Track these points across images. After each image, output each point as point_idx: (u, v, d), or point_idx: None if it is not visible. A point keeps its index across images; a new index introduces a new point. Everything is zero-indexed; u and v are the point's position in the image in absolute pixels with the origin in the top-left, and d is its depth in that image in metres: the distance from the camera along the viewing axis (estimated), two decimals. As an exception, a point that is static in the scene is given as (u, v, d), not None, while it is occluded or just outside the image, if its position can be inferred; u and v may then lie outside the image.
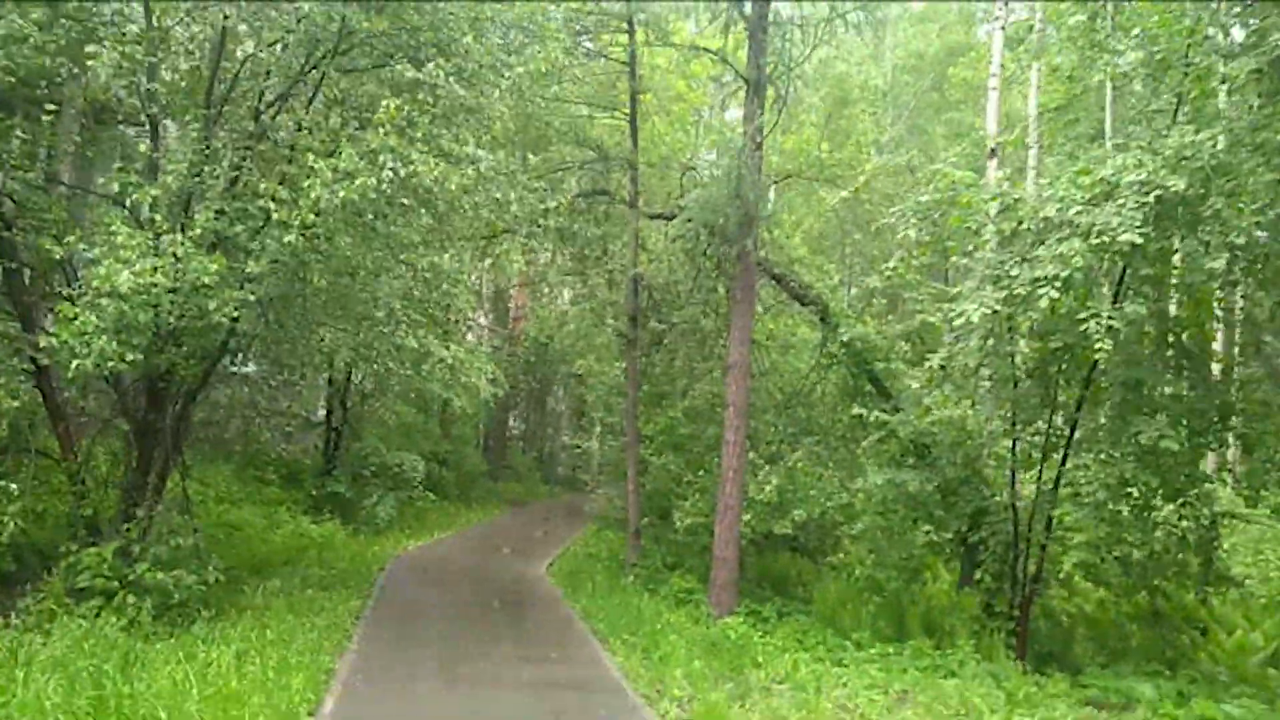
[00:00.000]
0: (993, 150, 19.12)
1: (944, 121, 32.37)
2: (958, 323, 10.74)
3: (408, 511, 24.03)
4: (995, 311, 10.59)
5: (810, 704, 9.32)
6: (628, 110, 17.21)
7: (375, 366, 22.59)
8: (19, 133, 9.50)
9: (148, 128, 10.91)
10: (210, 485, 19.18)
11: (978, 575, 13.84)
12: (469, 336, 33.53)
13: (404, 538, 21.27)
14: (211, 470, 19.86)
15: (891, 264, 12.31)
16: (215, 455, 20.11)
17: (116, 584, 9.63)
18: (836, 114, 18.66)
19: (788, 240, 16.41)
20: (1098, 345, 9.85)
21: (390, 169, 8.51)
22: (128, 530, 10.06)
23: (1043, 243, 10.83)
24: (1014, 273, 10.65)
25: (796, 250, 16.24)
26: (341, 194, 8.42)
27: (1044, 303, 10.11)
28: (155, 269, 8.35)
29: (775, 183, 15.18)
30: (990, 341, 11.54)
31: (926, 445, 14.52)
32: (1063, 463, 12.90)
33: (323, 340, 12.62)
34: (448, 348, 22.59)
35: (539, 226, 18.28)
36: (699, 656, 10.89)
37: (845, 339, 14.75)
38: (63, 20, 9.19)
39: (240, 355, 16.74)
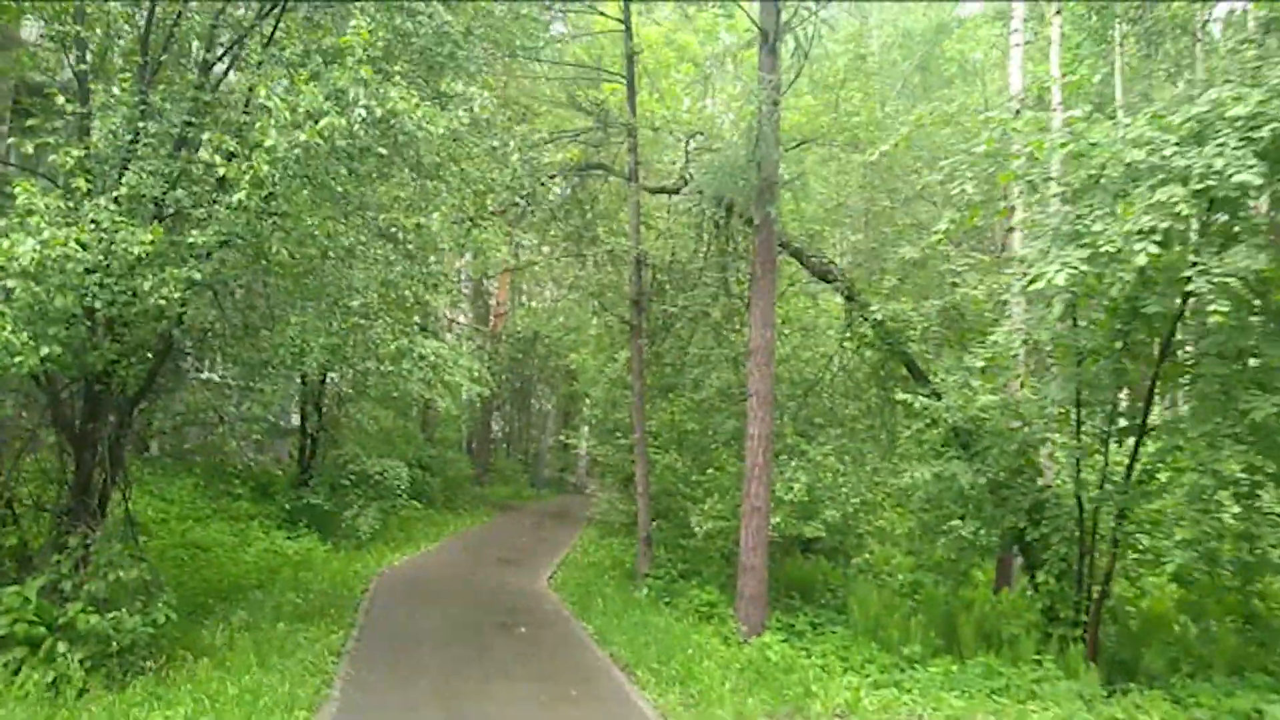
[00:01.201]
0: (1017, 112, 17.55)
1: (937, 97, 30.93)
2: (1032, 288, 9.16)
3: (391, 522, 22.26)
4: (1080, 273, 9.02)
5: (891, 748, 7.75)
6: (624, 74, 15.52)
7: (352, 366, 21.14)
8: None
9: (76, 85, 9.16)
10: (173, 502, 17.41)
11: (1040, 577, 12.31)
12: (449, 336, 31.86)
13: (388, 551, 19.52)
14: (173, 485, 18.07)
15: (941, 226, 10.70)
16: (177, 469, 18.30)
17: (43, 629, 7.90)
18: (834, 89, 17.03)
19: (804, 211, 14.77)
20: (1211, 307, 8.35)
21: (363, 107, 6.83)
22: (57, 563, 8.31)
23: (1124, 194, 9.33)
24: (1097, 227, 9.11)
25: (816, 224, 14.65)
26: (302, 137, 6.72)
27: (1141, 259, 8.56)
28: (70, 239, 6.62)
29: (797, 145, 13.56)
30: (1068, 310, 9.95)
31: (971, 434, 13.01)
32: (1136, 448, 11.42)
33: (291, 338, 10.97)
34: (426, 342, 21.10)
35: (529, 204, 16.67)
36: (743, 688, 9.30)
37: (878, 318, 13.15)
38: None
39: (203, 358, 15.03)
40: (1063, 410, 12.87)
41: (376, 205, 8.16)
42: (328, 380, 22.63)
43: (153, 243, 6.97)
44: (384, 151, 7.54)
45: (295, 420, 22.85)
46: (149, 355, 8.93)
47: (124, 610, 7.99)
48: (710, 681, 9.33)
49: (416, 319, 23.90)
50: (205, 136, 7.47)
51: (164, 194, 7.65)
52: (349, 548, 19.20)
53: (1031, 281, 9.14)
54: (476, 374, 23.78)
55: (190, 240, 7.29)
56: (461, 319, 35.56)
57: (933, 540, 15.05)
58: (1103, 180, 9.53)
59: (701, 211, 15.39)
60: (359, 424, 26.08)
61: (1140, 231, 8.65)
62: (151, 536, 15.65)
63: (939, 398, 12.84)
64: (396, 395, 26.67)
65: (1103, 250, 8.93)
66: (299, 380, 23.02)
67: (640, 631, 11.62)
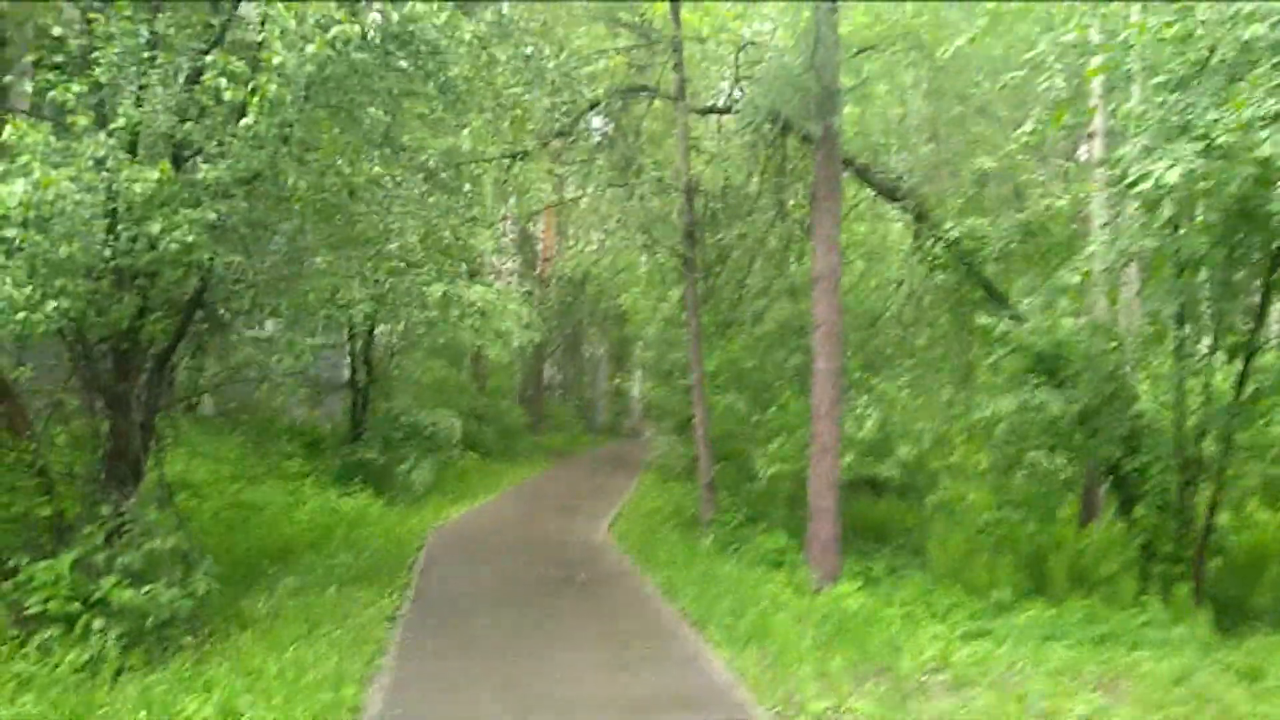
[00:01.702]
0: None
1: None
2: (1136, 190, 8.12)
3: (447, 474, 21.90)
4: (1191, 170, 7.95)
5: (994, 710, 6.97)
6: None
7: (398, 316, 20.56)
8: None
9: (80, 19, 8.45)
10: (225, 462, 17.07)
11: (1139, 511, 11.38)
12: (497, 283, 31.21)
13: (445, 504, 19.09)
14: (225, 445, 17.74)
15: (1026, 128, 9.65)
16: (227, 427, 17.95)
17: (78, 605, 7.41)
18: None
19: (867, 125, 13.67)
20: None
21: (377, 10, 6.02)
22: (88, 534, 7.81)
23: (1239, 78, 8.23)
24: (1211, 116, 8.02)
25: (881, 138, 13.54)
26: (312, 49, 5.94)
27: (1266, 149, 7.49)
28: (63, 179, 5.93)
29: (858, 53, 12.43)
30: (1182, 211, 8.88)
31: (1058, 359, 12.00)
32: (1246, 366, 10.37)
33: (328, 286, 10.35)
34: (474, 289, 20.41)
35: (569, 135, 15.78)
36: (823, 644, 8.57)
37: (954, 235, 12.11)
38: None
39: (239, 311, 14.51)
40: (1158, 329, 11.86)
41: (403, 132, 7.32)
42: (375, 333, 22.21)
43: (161, 181, 6.28)
44: (405, 65, 6.74)
45: (346, 374, 22.48)
46: (177, 308, 8.30)
47: (162, 582, 7.46)
48: (788, 638, 8.61)
49: (463, 265, 23.37)
50: (209, 58, 6.67)
51: (172, 129, 6.92)
52: (405, 503, 18.82)
53: (1134, 182, 8.11)
54: (526, 320, 23.24)
55: (201, 176, 6.58)
56: (509, 265, 34.94)
57: (1014, 475, 14.17)
58: (1213, 63, 8.40)
59: (754, 131, 14.35)
60: (410, 376, 25.75)
61: (1263, 118, 7.58)
62: (203, 498, 15.35)
63: (1020, 321, 11.85)
64: (446, 345, 26.40)
65: (1218, 142, 7.88)
66: (347, 333, 22.77)
67: (708, 583, 10.94)
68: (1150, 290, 10.70)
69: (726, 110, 15.34)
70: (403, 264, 12.34)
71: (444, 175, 12.27)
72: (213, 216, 6.58)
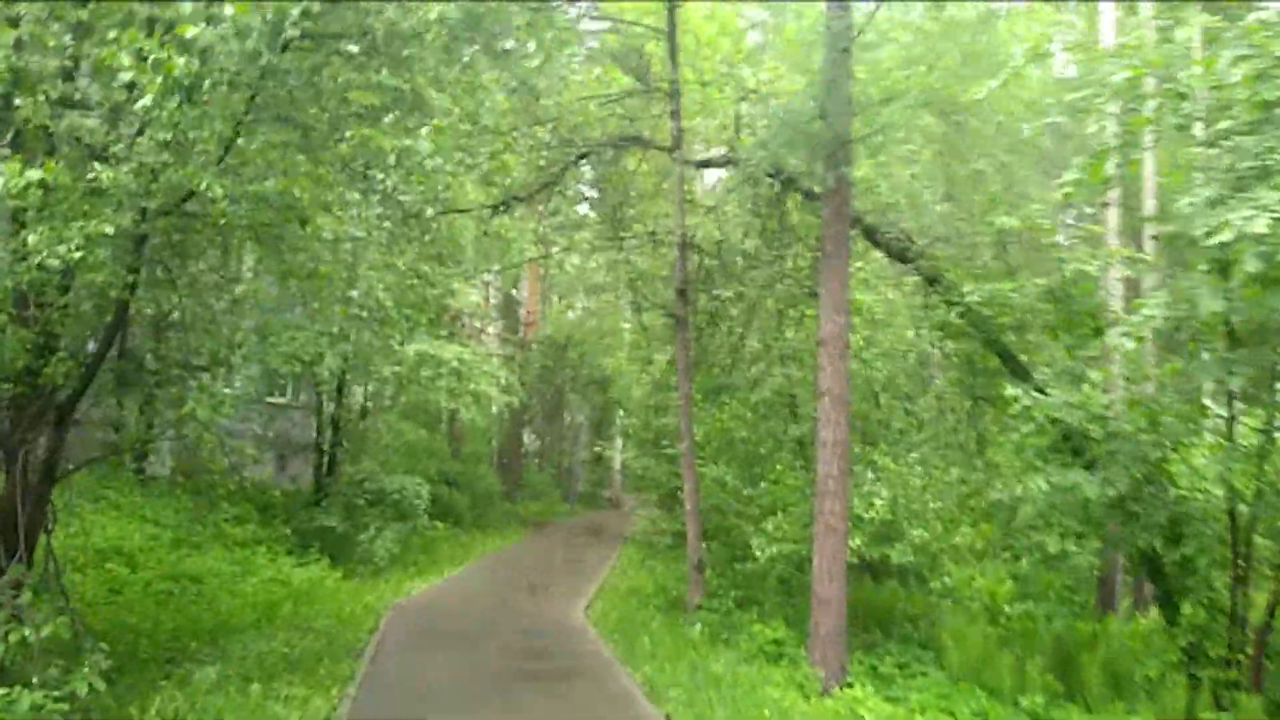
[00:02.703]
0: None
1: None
2: (1215, 240, 7.04)
3: (413, 544, 20.39)
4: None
5: None
6: (664, 27, 13.47)
7: (370, 375, 19.30)
8: None
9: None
10: (166, 526, 15.59)
11: (1187, 609, 10.14)
12: (476, 346, 30.08)
13: (407, 578, 17.59)
14: (169, 507, 16.27)
15: (1070, 176, 8.63)
16: (176, 489, 16.50)
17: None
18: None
19: (874, 182, 12.67)
20: None
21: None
22: (-46, 620, 6.40)
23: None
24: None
25: (891, 195, 12.55)
26: (230, 9, 4.81)
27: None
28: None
29: (876, 104, 11.47)
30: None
31: (1087, 436, 10.87)
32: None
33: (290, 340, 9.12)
34: (449, 347, 19.20)
35: (557, 182, 14.78)
36: (839, 764, 7.22)
37: (975, 299, 11.03)
38: None
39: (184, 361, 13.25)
40: (1199, 408, 10.75)
41: (351, 132, 6.12)
42: (344, 391, 20.93)
43: (40, 184, 5.08)
44: (354, 49, 5.63)
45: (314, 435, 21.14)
46: (78, 351, 7.02)
47: (25, 684, 6.02)
48: (797, 756, 7.27)
49: (441, 322, 22.20)
50: (112, 34, 5.51)
51: (52, 119, 5.73)
52: (364, 575, 17.34)
53: (1211, 233, 7.04)
54: (505, 383, 22.01)
55: (92, 179, 5.38)
56: (491, 329, 33.84)
57: (1029, 563, 12.96)
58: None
59: (754, 185, 13.38)
60: (379, 439, 24.37)
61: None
62: (136, 568, 13.90)
63: (1043, 394, 10.73)
64: (419, 407, 25.08)
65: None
66: (315, 394, 21.44)
67: (699, 682, 9.54)
68: (1198, 363, 9.59)
69: (726, 163, 14.35)
70: (368, 314, 11.13)
71: (419, 217, 11.23)
72: (108, 230, 5.37)
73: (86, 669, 6.45)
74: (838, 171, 10.60)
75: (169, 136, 5.20)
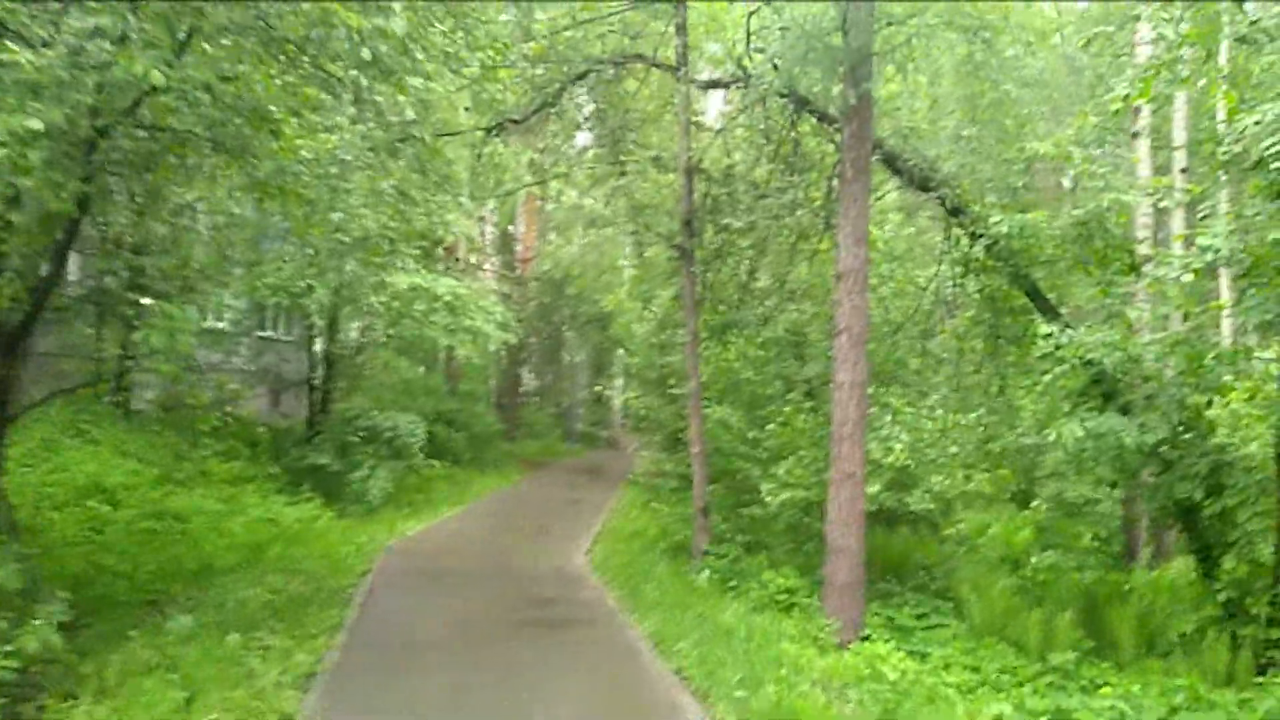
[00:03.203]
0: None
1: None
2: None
3: (408, 482, 19.87)
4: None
5: None
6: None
7: (361, 309, 18.56)
8: None
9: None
10: (150, 463, 14.98)
11: (1228, 563, 9.57)
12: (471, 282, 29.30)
13: (402, 518, 17.06)
14: (154, 443, 15.64)
15: (1120, 91, 7.83)
16: (156, 424, 15.85)
17: None
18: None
19: (893, 101, 11.83)
20: None
21: None
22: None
23: None
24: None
25: (912, 119, 11.69)
26: None
27: None
28: None
29: (899, 19, 10.58)
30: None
31: (1121, 380, 10.20)
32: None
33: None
34: (443, 280, 18.45)
35: (554, 107, 13.91)
36: (864, 728, 6.67)
37: (1004, 230, 10.26)
38: None
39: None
40: (1240, 348, 10.09)
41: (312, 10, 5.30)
42: (336, 325, 20.20)
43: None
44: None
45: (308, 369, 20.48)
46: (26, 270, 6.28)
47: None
48: (816, 716, 6.70)
49: (438, 264, 21.40)
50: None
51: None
52: (358, 515, 16.82)
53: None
54: (502, 319, 21.29)
55: (18, 68, 4.58)
56: (487, 266, 32.97)
57: (1065, 511, 12.39)
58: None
59: (764, 108, 12.53)
60: (374, 375, 23.75)
61: None
62: (118, 506, 13.32)
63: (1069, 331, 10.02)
64: (414, 343, 24.37)
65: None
66: (305, 328, 20.75)
67: (709, 634, 8.97)
68: (1248, 301, 8.86)
69: (731, 84, 13.46)
70: (351, 240, 10.36)
71: (406, 141, 10.43)
72: (36, 126, 4.59)
73: (39, 621, 5.84)
74: (860, 88, 9.76)
75: (106, 22, 4.40)
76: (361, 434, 18.82)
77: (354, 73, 5.90)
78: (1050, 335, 9.26)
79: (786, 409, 13.86)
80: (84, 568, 10.14)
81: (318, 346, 20.49)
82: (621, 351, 28.26)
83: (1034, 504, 13.71)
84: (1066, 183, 11.13)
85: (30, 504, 11.59)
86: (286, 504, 16.01)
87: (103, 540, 11.84)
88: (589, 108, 15.46)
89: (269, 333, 21.67)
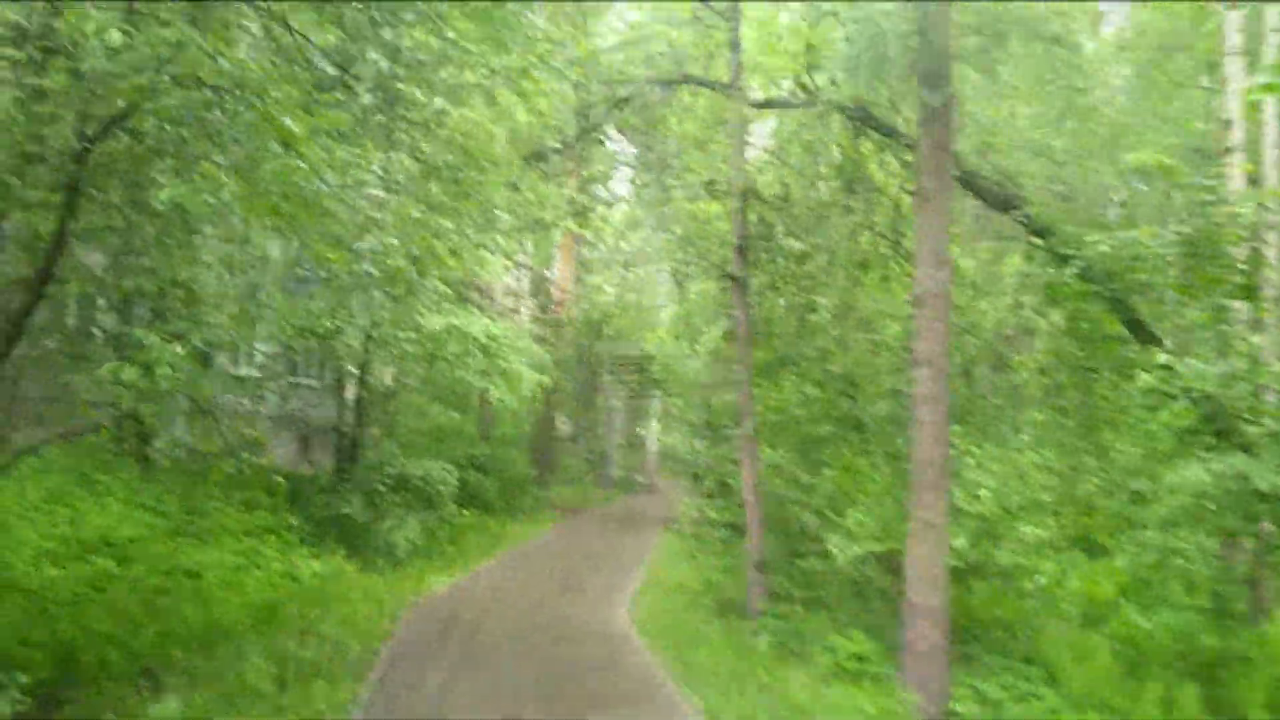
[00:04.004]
0: None
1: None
2: None
3: (439, 532, 18.80)
4: None
5: None
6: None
7: (392, 352, 17.69)
8: None
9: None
10: (164, 515, 14.03)
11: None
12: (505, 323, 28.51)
13: (431, 570, 15.99)
14: (169, 492, 14.70)
15: (1261, 79, 6.72)
16: (169, 473, 14.94)
17: None
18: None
19: (972, 114, 10.79)
20: None
21: None
22: None
23: None
24: None
25: (990, 135, 10.64)
26: None
27: None
28: None
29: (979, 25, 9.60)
30: None
31: (1238, 416, 8.96)
32: None
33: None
34: (476, 320, 17.58)
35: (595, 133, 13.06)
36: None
37: (1104, 250, 9.13)
38: None
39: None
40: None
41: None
42: (368, 369, 19.34)
43: None
44: None
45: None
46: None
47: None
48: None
49: (471, 304, 20.60)
50: None
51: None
52: (384, 567, 15.77)
53: None
54: (537, 361, 20.38)
55: None
56: (523, 309, 32.22)
57: (1165, 562, 11.03)
58: None
59: (823, 125, 11.55)
60: (405, 421, 22.96)
61: None
62: (126, 562, 12.37)
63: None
64: (448, 387, 23.51)
65: None
66: (334, 374, 19.94)
67: (777, 714, 7.77)
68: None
69: (788, 104, 12.52)
70: (380, 271, 9.46)
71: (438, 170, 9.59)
72: None
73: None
74: (941, 91, 8.73)
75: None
76: (390, 482, 17.88)
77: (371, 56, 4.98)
78: (1167, 367, 8.06)
79: (846, 452, 12.71)
80: (76, 633, 9.15)
81: (349, 392, 19.65)
82: (660, 393, 27.18)
83: (1125, 552, 12.35)
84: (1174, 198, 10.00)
85: (28, 561, 10.70)
86: (308, 556, 15.01)
87: (104, 600, 10.87)
88: (633, 134, 14.61)
89: (299, 379, 20.92)
